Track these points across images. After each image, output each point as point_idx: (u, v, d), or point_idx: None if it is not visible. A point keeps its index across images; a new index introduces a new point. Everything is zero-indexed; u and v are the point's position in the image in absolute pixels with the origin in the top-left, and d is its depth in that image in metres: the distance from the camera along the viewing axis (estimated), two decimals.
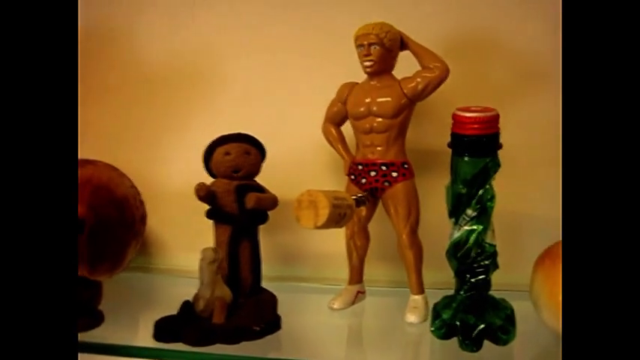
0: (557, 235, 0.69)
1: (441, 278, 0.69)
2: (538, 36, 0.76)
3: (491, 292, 0.66)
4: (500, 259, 0.69)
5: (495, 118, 0.61)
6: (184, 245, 0.82)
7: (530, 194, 0.78)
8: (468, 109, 0.61)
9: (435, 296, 0.68)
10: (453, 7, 0.76)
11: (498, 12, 0.76)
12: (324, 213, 0.57)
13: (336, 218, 0.59)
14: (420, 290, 0.69)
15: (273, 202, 0.68)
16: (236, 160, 0.68)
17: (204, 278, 0.64)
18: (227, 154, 0.68)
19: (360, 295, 0.73)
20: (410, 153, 0.71)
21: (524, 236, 0.78)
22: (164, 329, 0.63)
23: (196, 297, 0.64)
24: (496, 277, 0.68)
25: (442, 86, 0.69)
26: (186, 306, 0.64)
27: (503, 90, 0.77)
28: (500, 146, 0.62)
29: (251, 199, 0.66)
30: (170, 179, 0.83)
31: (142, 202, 0.69)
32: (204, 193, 0.66)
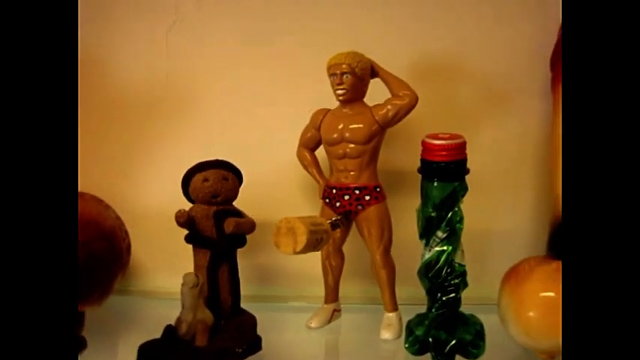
0: (523, 250, 0.73)
1: (414, 294, 0.72)
2: (504, 59, 0.80)
3: (463, 306, 0.69)
4: (470, 274, 0.73)
5: (462, 145, 0.64)
6: (164, 267, 0.83)
7: (497, 211, 0.82)
8: (436, 137, 0.64)
9: (408, 312, 0.71)
10: (419, 35, 0.80)
11: (463, 38, 0.80)
12: (302, 239, 0.60)
13: (314, 243, 0.61)
14: (394, 308, 0.72)
15: (252, 226, 0.70)
16: (214, 186, 0.69)
17: (186, 302, 0.65)
18: (205, 180, 0.70)
19: (336, 313, 0.76)
20: (382, 174, 0.74)
21: (492, 252, 0.82)
22: (148, 354, 0.64)
23: (179, 321, 0.66)
24: (467, 291, 0.71)
25: (413, 111, 0.72)
26: (169, 330, 0.66)
27: (470, 113, 0.81)
28: (467, 171, 0.65)
29: (230, 224, 0.68)
30: (148, 202, 0.84)
31: (126, 233, 0.70)
32: (185, 220, 0.68)
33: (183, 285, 0.65)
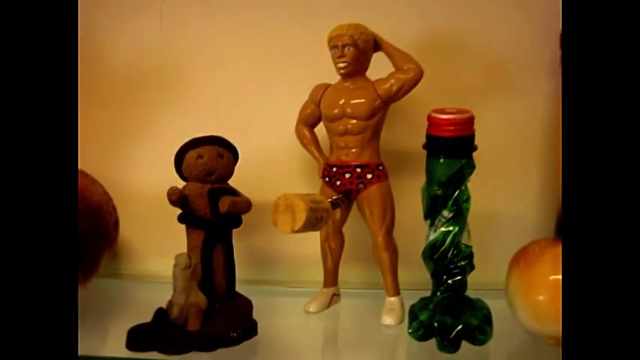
0: (530, 234, 0.70)
1: (416, 279, 0.69)
2: (511, 37, 0.77)
3: (467, 292, 0.67)
4: (475, 259, 0.70)
5: (471, 120, 0.61)
6: (156, 250, 0.80)
7: (503, 194, 0.79)
8: (443, 111, 0.61)
9: (410, 297, 0.69)
10: (426, 9, 0.77)
11: (471, 13, 0.77)
12: (301, 217, 0.57)
13: (313, 222, 0.58)
14: (396, 292, 0.69)
15: (247, 205, 0.67)
16: (209, 163, 0.66)
17: (178, 285, 0.62)
18: (199, 157, 0.66)
19: (335, 297, 0.73)
20: (384, 154, 0.71)
21: (497, 236, 0.79)
22: (138, 338, 0.61)
23: (170, 304, 0.63)
24: (472, 277, 0.69)
25: (416, 87, 0.69)
26: (160, 313, 0.63)
27: (476, 91, 0.78)
28: (475, 148, 0.62)
29: (225, 203, 0.65)
30: (139, 182, 0.81)
31: (114, 208, 0.67)
32: (177, 197, 0.65)
33: (175, 266, 0.63)
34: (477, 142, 0.71)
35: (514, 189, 0.78)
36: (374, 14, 0.74)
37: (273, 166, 0.78)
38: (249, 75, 0.79)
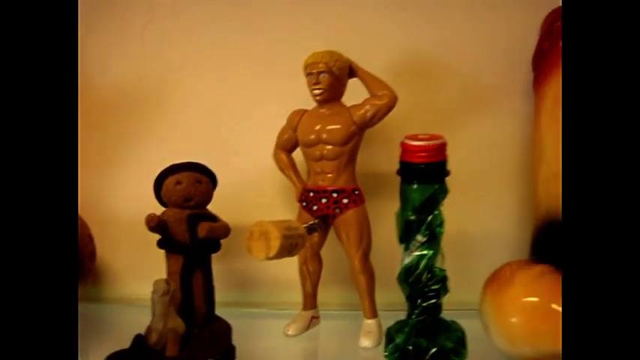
0: (506, 253, 0.71)
1: (395, 300, 0.70)
2: (484, 60, 0.79)
3: (445, 311, 0.67)
4: (453, 279, 0.71)
5: (443, 146, 0.62)
6: (135, 273, 0.81)
7: (480, 214, 0.80)
8: (415, 138, 0.62)
9: (389, 318, 0.69)
10: (399, 36, 0.78)
11: (445, 39, 0.78)
12: (275, 244, 0.58)
13: (288, 248, 0.59)
14: (374, 314, 0.70)
15: (226, 230, 0.68)
16: (187, 189, 0.67)
17: (157, 311, 0.63)
18: (178, 183, 0.67)
19: (314, 320, 0.73)
20: (361, 177, 0.72)
21: (475, 256, 0.80)
22: None
23: (149, 329, 0.63)
24: (449, 296, 0.69)
25: (392, 112, 0.70)
26: (139, 339, 0.63)
27: (450, 114, 0.79)
28: (448, 173, 0.63)
29: (203, 229, 0.66)
30: (120, 207, 0.82)
31: (91, 238, 0.67)
32: (155, 224, 0.65)
33: (153, 292, 0.63)
34: (453, 163, 0.72)
35: (490, 209, 0.80)
36: (351, 40, 0.76)
37: (254, 190, 0.80)
38: (229, 101, 0.80)
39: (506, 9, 0.78)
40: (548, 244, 0.68)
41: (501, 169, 0.79)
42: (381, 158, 0.77)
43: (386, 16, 0.78)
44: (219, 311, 0.70)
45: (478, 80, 0.79)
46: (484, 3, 0.78)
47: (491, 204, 0.79)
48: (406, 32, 0.78)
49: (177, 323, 0.64)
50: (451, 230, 0.77)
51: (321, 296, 0.75)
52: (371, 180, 0.74)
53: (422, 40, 0.78)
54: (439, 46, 0.78)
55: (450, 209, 0.76)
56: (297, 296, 0.75)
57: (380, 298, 0.72)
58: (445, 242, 0.74)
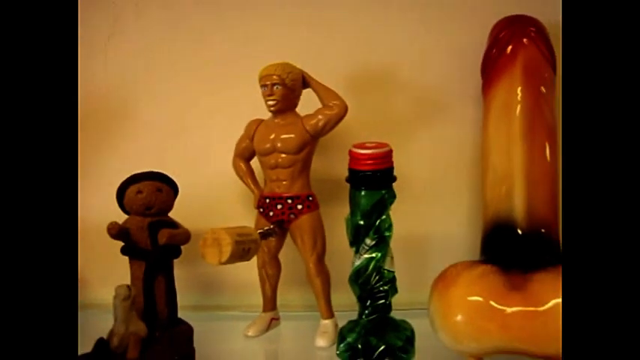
0: (460, 254, 0.74)
1: (353, 300, 0.73)
2: (437, 69, 0.82)
3: (401, 311, 0.70)
4: (409, 279, 0.74)
5: (389, 154, 0.65)
6: (100, 279, 0.83)
7: (435, 218, 0.83)
8: (362, 146, 0.65)
9: (347, 318, 0.71)
10: (354, 46, 0.81)
11: (398, 48, 0.81)
12: (227, 250, 0.61)
13: (240, 253, 0.62)
14: (330, 315, 0.73)
15: (186, 236, 0.70)
16: (148, 198, 0.70)
17: (118, 315, 0.65)
18: (139, 192, 0.70)
19: (274, 321, 0.76)
20: (318, 183, 0.75)
21: (431, 257, 0.83)
22: None
23: (111, 334, 0.66)
24: (405, 297, 0.73)
25: (348, 120, 0.73)
26: (101, 343, 0.66)
27: (405, 121, 0.82)
28: (394, 179, 0.66)
29: (164, 236, 0.68)
30: (84, 214, 0.83)
31: None
32: (116, 232, 0.68)
33: (115, 297, 0.65)
34: (408, 169, 0.76)
35: (444, 213, 0.83)
36: (308, 51, 0.79)
37: (215, 197, 0.82)
38: (190, 112, 0.83)
39: (459, 18, 0.81)
40: (495, 245, 0.71)
41: (454, 173, 0.82)
42: (338, 165, 0.79)
43: (341, 27, 0.81)
44: (183, 315, 0.72)
45: (432, 87, 0.82)
46: (437, 12, 0.81)
47: (445, 207, 0.82)
48: (361, 43, 0.81)
49: (139, 327, 0.66)
50: (406, 233, 0.81)
51: (282, 298, 0.78)
52: (327, 186, 0.77)
53: (377, 50, 0.81)
54: (393, 55, 0.81)
55: (404, 213, 0.79)
56: (259, 298, 0.77)
57: (339, 299, 0.75)
58: (400, 244, 0.77)
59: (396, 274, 0.68)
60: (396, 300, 0.69)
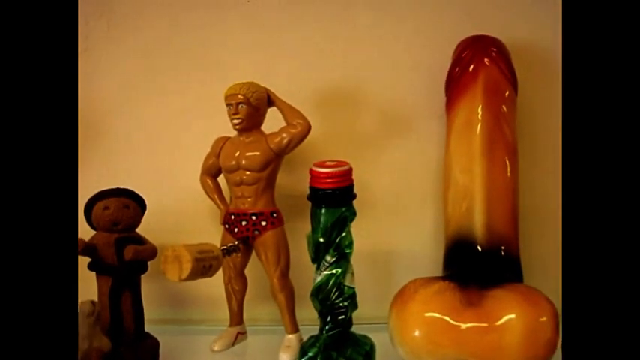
0: (424, 269, 0.75)
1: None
2: (403, 86, 0.83)
3: (365, 325, 0.72)
4: (375, 294, 0.75)
5: (348, 172, 0.66)
6: None
7: (401, 232, 0.84)
8: (323, 165, 0.66)
9: (314, 332, 0.73)
10: (320, 64, 0.82)
11: (363, 66, 0.83)
12: (187, 267, 0.62)
13: (201, 270, 0.63)
14: (294, 329, 0.74)
15: (152, 252, 0.72)
16: (115, 214, 0.71)
17: (82, 331, 0.66)
18: (106, 208, 0.71)
19: (240, 335, 0.77)
20: (284, 199, 0.77)
21: (398, 271, 0.84)
22: None
23: None
24: (370, 311, 0.74)
25: (315, 136, 0.75)
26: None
27: (371, 138, 0.83)
28: (354, 197, 0.67)
29: (129, 252, 0.69)
30: None
31: None
32: (82, 248, 0.69)
33: (79, 314, 0.66)
34: (374, 183, 0.76)
35: (410, 227, 0.84)
36: (276, 70, 0.80)
37: (183, 213, 0.83)
38: (159, 129, 0.84)
39: (426, 35, 0.82)
40: (456, 261, 0.73)
41: (419, 189, 0.84)
42: (304, 181, 0.79)
43: (309, 45, 0.83)
44: (151, 328, 0.73)
45: (398, 104, 0.83)
46: (404, 30, 0.82)
47: (410, 223, 0.84)
48: (329, 61, 0.83)
49: (103, 342, 0.67)
50: (371, 248, 0.82)
51: (249, 312, 0.79)
52: (294, 202, 0.78)
53: (343, 67, 0.83)
54: (360, 72, 0.83)
55: (370, 228, 0.81)
56: (226, 313, 0.78)
57: (305, 313, 0.76)
58: (365, 259, 0.79)
59: (361, 288, 0.69)
60: (361, 314, 0.71)
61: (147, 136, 0.84)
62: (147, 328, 0.72)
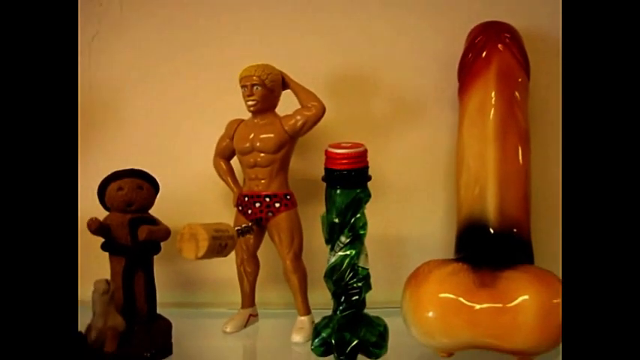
0: (436, 253, 0.75)
1: (330, 298, 0.74)
2: (416, 72, 0.83)
3: (378, 309, 0.72)
4: (387, 278, 0.75)
5: (363, 153, 0.67)
6: (81, 274, 0.84)
7: (413, 218, 0.85)
8: (338, 146, 0.66)
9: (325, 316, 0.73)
10: (333, 48, 0.83)
11: (376, 51, 0.83)
12: (203, 245, 0.62)
13: (217, 249, 0.63)
14: (306, 311, 0.74)
15: (166, 233, 0.72)
16: (129, 195, 0.71)
17: (97, 309, 0.67)
18: (120, 189, 0.71)
19: (252, 318, 0.78)
20: (298, 183, 0.77)
21: (409, 257, 0.84)
22: None
23: (89, 328, 0.67)
24: (383, 295, 0.74)
25: (327, 121, 0.75)
26: (78, 337, 0.67)
27: (383, 123, 0.84)
28: (369, 178, 0.68)
29: (143, 232, 0.69)
30: None
31: None
32: (96, 227, 0.69)
33: (93, 292, 0.67)
34: (386, 169, 0.77)
35: (422, 211, 0.84)
36: (289, 55, 0.80)
37: (197, 195, 0.83)
38: (172, 111, 0.84)
39: (438, 22, 0.83)
40: (468, 244, 0.73)
41: (431, 174, 0.84)
42: (317, 165, 0.80)
43: (321, 30, 0.83)
44: (163, 311, 0.73)
45: (410, 90, 0.83)
46: (416, 16, 0.83)
47: (422, 207, 0.84)
48: (341, 46, 0.83)
49: (118, 321, 0.68)
50: (384, 232, 0.82)
51: (261, 296, 0.79)
52: (307, 185, 0.79)
53: (356, 53, 0.83)
54: (373, 58, 0.83)
55: (383, 213, 0.81)
56: (238, 296, 0.79)
57: (317, 297, 0.76)
58: (378, 244, 0.79)
59: (373, 273, 0.70)
60: (373, 298, 0.71)
61: (160, 119, 0.84)
62: (159, 311, 0.72)
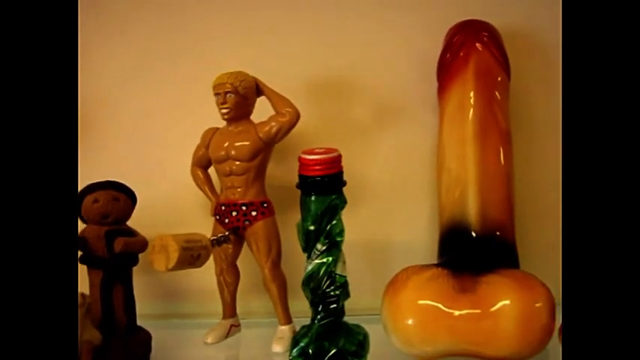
0: (420, 258, 0.74)
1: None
2: (397, 74, 0.82)
3: (362, 316, 0.71)
4: (370, 284, 0.74)
5: (337, 159, 0.65)
6: None
7: (395, 223, 0.83)
8: (311, 152, 0.65)
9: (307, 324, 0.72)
10: (313, 52, 0.82)
11: (356, 54, 0.82)
12: (174, 256, 0.61)
13: (189, 260, 0.63)
14: (287, 320, 0.73)
15: (142, 244, 0.71)
16: (104, 207, 0.70)
17: None
18: (95, 201, 0.70)
19: (234, 328, 0.77)
20: (276, 190, 0.76)
21: (393, 262, 0.82)
22: None
23: None
24: (367, 301, 0.73)
25: (307, 126, 0.74)
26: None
27: (365, 126, 0.83)
28: (344, 183, 0.66)
29: (119, 244, 0.69)
30: None
31: None
32: None
33: None
34: (368, 172, 0.75)
35: (406, 216, 0.83)
36: (268, 61, 0.80)
37: (175, 205, 0.83)
38: (150, 121, 0.84)
39: (418, 22, 0.82)
40: (451, 248, 0.72)
41: (414, 177, 0.83)
42: (295, 172, 0.80)
43: (300, 34, 0.82)
44: (143, 323, 0.73)
45: (391, 92, 0.82)
46: (395, 17, 0.82)
47: (406, 212, 0.83)
48: (319, 49, 0.82)
49: (93, 335, 0.67)
50: (367, 237, 0.81)
51: (243, 305, 0.78)
52: (285, 192, 0.77)
53: (335, 55, 0.82)
54: (352, 60, 0.82)
55: (365, 217, 0.80)
56: (219, 306, 0.78)
57: (299, 305, 0.74)
58: (361, 249, 0.78)
59: (357, 279, 0.68)
60: (357, 305, 0.70)
61: (137, 129, 0.84)
62: (139, 323, 0.72)
